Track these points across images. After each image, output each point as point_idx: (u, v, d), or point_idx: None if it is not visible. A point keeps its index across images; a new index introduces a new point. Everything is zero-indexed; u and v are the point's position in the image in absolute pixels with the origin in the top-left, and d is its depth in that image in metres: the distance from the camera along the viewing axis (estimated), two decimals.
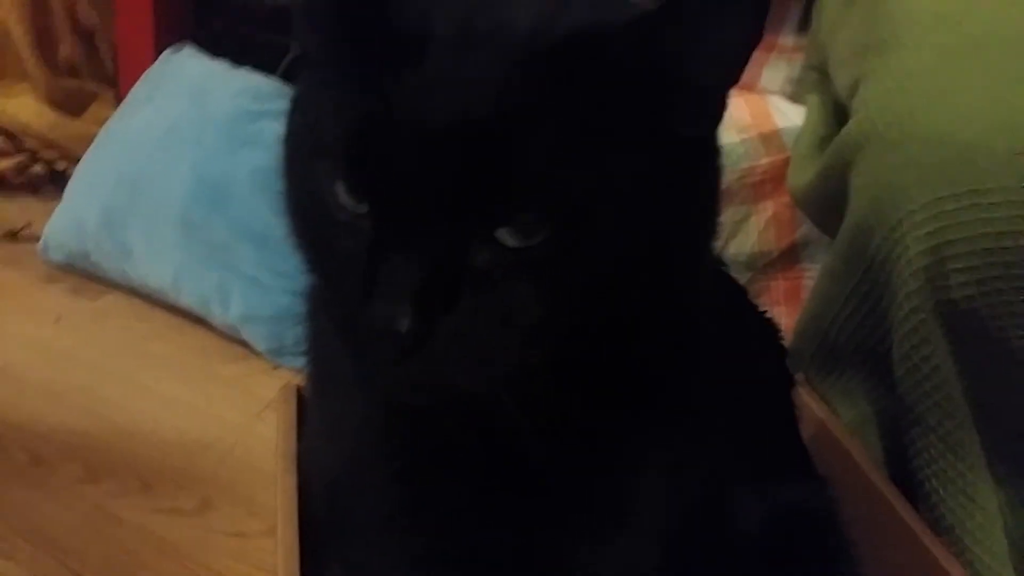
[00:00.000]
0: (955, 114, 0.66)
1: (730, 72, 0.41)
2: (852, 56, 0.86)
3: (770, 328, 0.72)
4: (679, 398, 0.51)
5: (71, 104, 1.60)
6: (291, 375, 1.11)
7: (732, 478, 0.62)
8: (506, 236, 0.37)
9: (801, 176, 0.94)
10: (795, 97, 1.18)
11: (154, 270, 1.20)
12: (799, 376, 0.88)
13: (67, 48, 1.62)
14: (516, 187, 0.37)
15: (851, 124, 0.75)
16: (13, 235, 1.35)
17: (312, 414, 0.60)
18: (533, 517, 0.49)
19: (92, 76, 1.64)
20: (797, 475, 0.70)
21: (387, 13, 0.38)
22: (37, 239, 1.31)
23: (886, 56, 0.76)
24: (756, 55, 1.25)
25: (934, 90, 0.68)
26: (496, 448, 0.47)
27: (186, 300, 1.18)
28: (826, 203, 0.83)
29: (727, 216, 1.10)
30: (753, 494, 0.64)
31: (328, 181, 0.39)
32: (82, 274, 1.28)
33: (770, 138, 1.08)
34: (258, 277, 1.15)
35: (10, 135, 1.46)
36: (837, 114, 0.98)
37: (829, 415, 0.85)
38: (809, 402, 0.87)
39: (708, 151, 0.44)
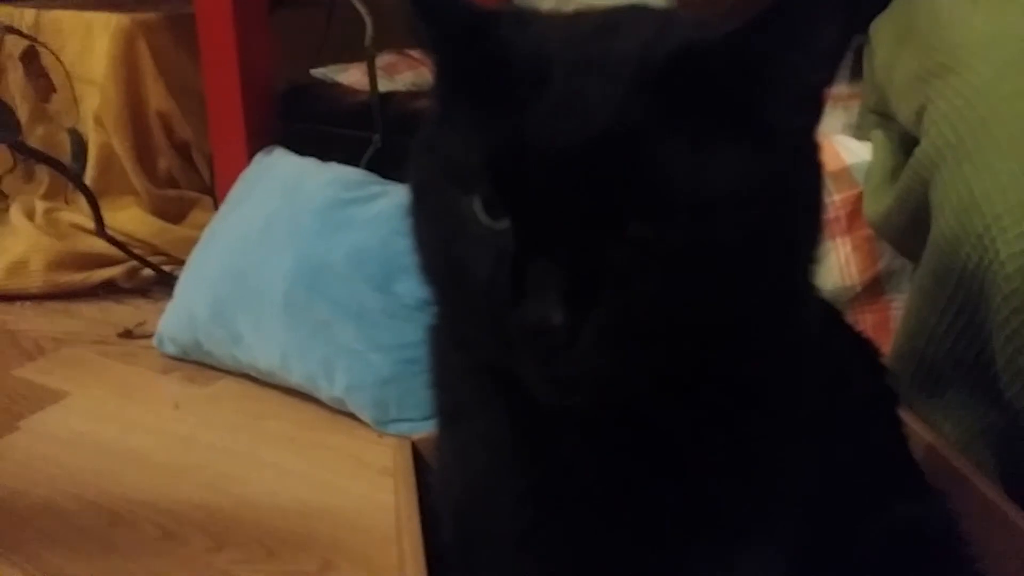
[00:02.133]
0: None
1: (825, 66, 0.45)
2: (912, 86, 0.89)
3: (868, 347, 0.73)
4: (794, 409, 0.53)
5: (172, 212, 1.73)
6: (396, 441, 1.16)
7: (850, 493, 0.63)
8: (638, 235, 0.42)
9: (878, 204, 0.96)
10: (858, 138, 1.21)
11: (263, 353, 1.27)
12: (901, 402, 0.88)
13: (166, 162, 1.75)
14: (639, 187, 0.41)
15: (923, 143, 0.78)
16: (129, 333, 1.45)
17: (440, 445, 0.63)
18: (664, 531, 0.51)
19: (190, 185, 1.77)
20: (912, 490, 0.70)
21: (506, 53, 0.44)
22: (151, 336, 1.40)
23: (947, 78, 0.79)
24: None
25: (1001, 100, 0.71)
26: (628, 462, 0.50)
27: (295, 378, 1.25)
28: (907, 225, 0.86)
29: None
30: (871, 510, 0.65)
31: (467, 203, 0.44)
32: (195, 363, 1.36)
33: (840, 175, 1.11)
34: (359, 351, 1.20)
35: (120, 244, 1.57)
36: (903, 144, 1.01)
37: (936, 437, 0.85)
38: (914, 426, 0.87)
39: (811, 145, 0.48)
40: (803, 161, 0.47)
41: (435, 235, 0.48)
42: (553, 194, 0.41)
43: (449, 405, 0.58)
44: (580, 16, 0.50)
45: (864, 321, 1.14)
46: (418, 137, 0.50)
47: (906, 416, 0.86)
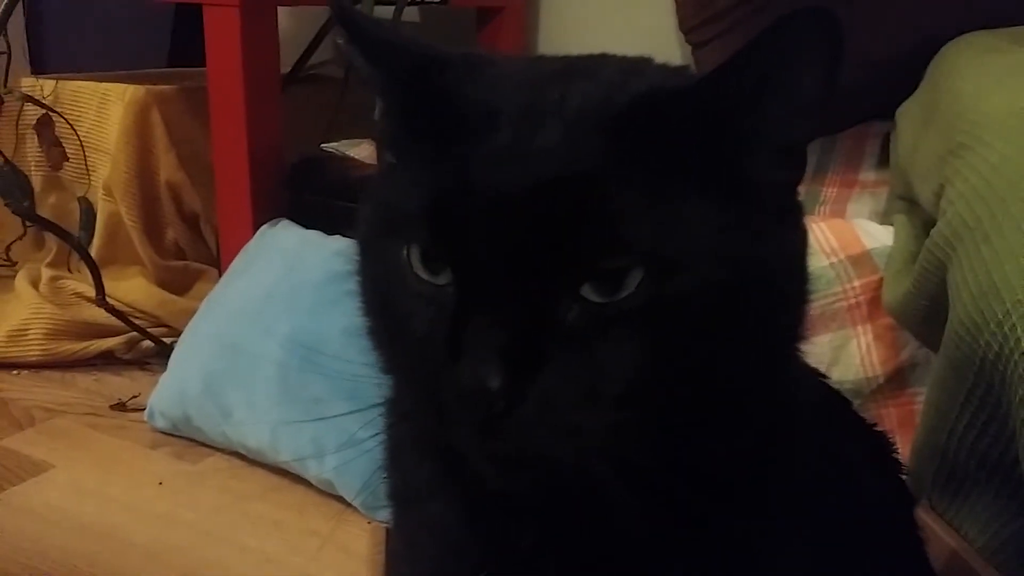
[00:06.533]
0: None
1: (803, 122, 0.40)
2: (933, 166, 0.86)
3: (881, 440, 0.68)
4: (786, 507, 0.48)
5: (177, 284, 1.71)
6: (372, 526, 1.10)
7: None
8: (591, 292, 0.37)
9: (896, 289, 0.91)
10: (884, 224, 1.16)
11: (253, 430, 1.22)
12: (923, 503, 0.82)
13: (174, 232, 1.73)
14: (593, 242, 0.37)
15: (940, 224, 0.73)
16: (122, 405, 1.41)
17: (393, 534, 0.58)
18: None
19: (197, 257, 1.75)
20: None
21: (454, 98, 0.41)
22: (144, 408, 1.36)
23: (967, 157, 0.75)
24: (839, 192, 1.24)
25: (1021, 177, 0.67)
26: (588, 555, 0.45)
27: (283, 457, 1.19)
28: (925, 311, 0.80)
29: (825, 343, 1.07)
30: None
31: (407, 256, 0.40)
32: (184, 439, 1.31)
33: (860, 260, 1.06)
34: (352, 430, 1.15)
35: (120, 314, 1.54)
36: (926, 228, 0.96)
37: (960, 542, 0.78)
38: (936, 530, 0.80)
39: (793, 204, 0.43)
40: (784, 221, 0.42)
41: (377, 292, 0.44)
42: (497, 245, 0.37)
43: (400, 488, 0.53)
44: (540, 60, 0.47)
45: (887, 416, 1.07)
46: (366, 189, 0.46)
47: (927, 518, 0.79)
